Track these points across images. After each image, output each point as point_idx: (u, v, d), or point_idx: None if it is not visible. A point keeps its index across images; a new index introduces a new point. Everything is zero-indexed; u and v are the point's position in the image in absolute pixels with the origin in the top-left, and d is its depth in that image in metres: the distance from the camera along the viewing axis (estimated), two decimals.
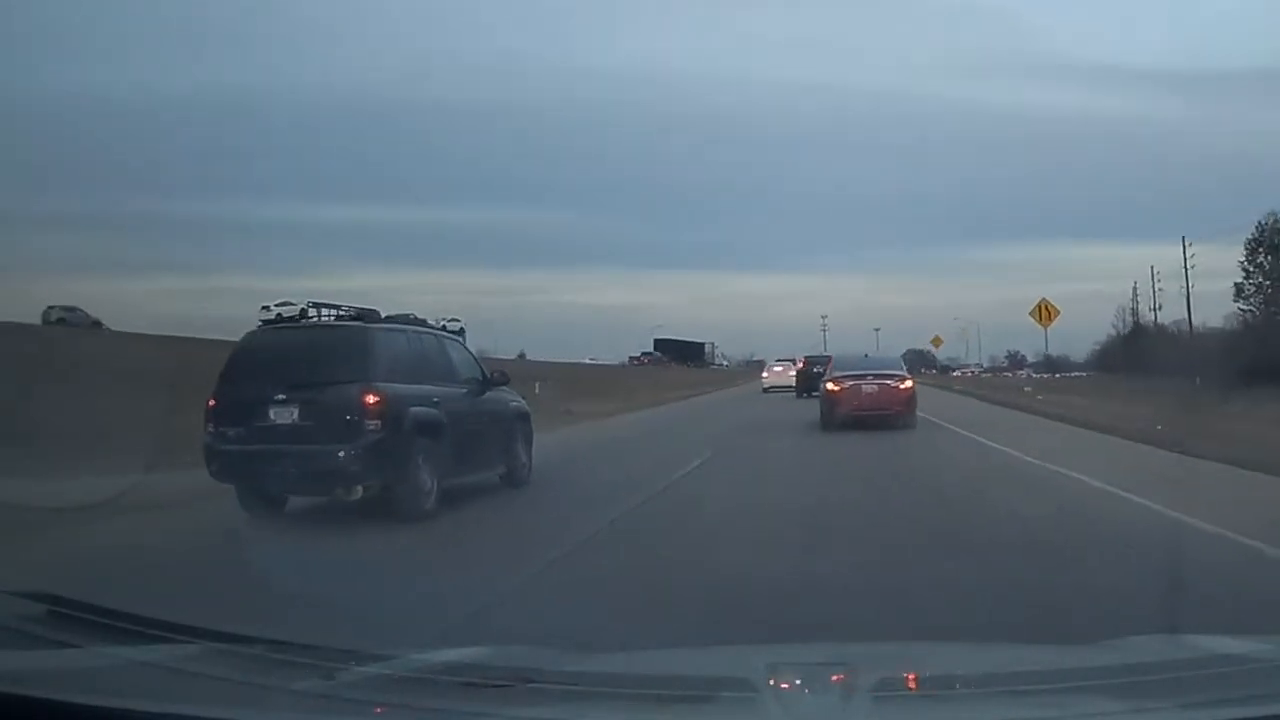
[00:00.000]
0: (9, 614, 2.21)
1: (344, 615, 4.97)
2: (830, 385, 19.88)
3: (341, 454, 8.66)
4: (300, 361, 9.25)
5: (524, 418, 11.78)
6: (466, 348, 11.81)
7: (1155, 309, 61.04)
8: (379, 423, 8.77)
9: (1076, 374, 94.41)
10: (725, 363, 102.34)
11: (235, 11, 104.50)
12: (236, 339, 10.14)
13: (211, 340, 18.31)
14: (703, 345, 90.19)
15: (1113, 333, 73.98)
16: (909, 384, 19.99)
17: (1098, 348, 75.78)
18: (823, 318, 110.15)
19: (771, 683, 2.48)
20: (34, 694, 1.71)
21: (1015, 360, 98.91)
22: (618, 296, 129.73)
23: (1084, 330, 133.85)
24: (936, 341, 61.63)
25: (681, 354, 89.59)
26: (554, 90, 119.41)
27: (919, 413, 20.38)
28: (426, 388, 9.66)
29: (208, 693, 1.95)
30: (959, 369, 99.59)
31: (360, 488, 8.84)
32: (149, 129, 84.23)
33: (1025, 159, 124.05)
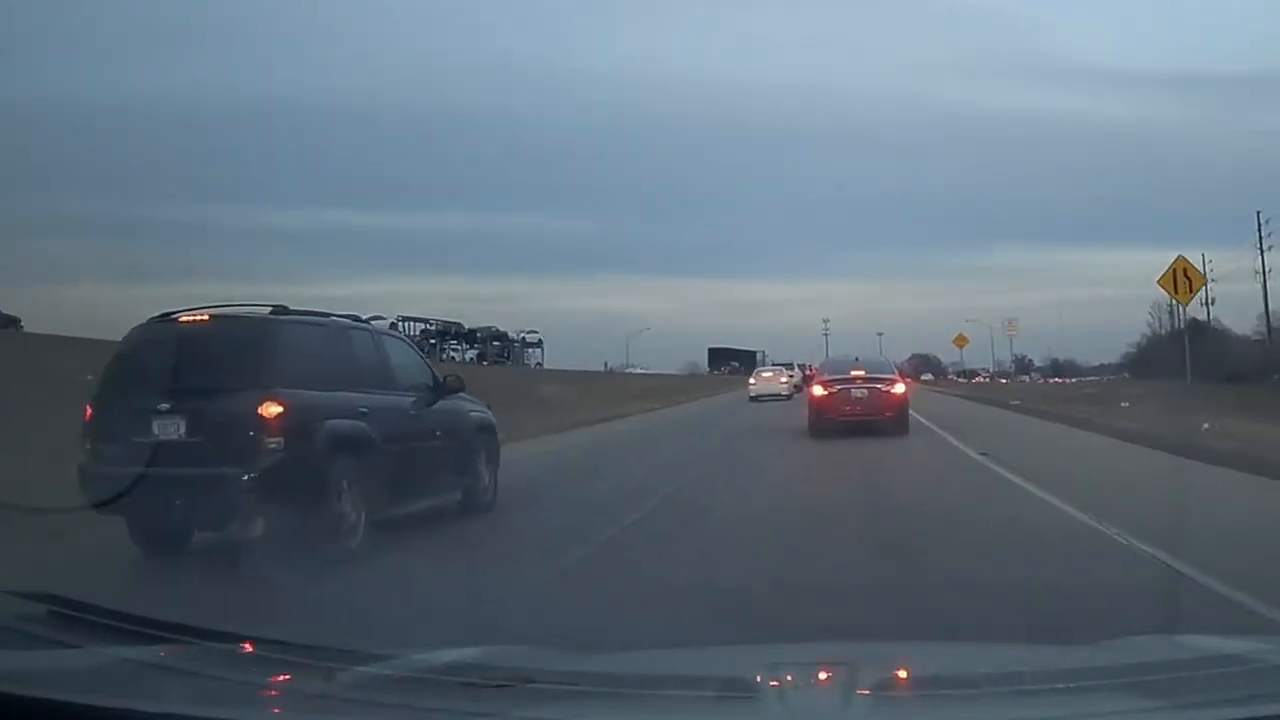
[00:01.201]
0: (9, 614, 2.21)
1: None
2: (817, 390, 19.00)
3: (231, 479, 6.89)
4: (191, 362, 7.43)
5: (487, 431, 9.96)
6: (415, 348, 10.16)
7: (1208, 302, 54.16)
8: (281, 439, 7.02)
9: (1090, 378, 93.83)
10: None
11: (232, 14, 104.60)
12: None
13: None
14: (754, 354, 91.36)
15: (1148, 333, 69.28)
16: (901, 389, 18.98)
17: (1132, 349, 71.78)
18: (824, 322, 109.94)
19: (771, 683, 2.48)
20: (34, 694, 1.71)
21: (1022, 365, 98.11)
22: (616, 302, 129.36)
23: (1091, 334, 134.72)
24: (960, 341, 53.59)
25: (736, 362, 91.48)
26: (553, 93, 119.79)
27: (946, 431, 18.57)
28: (352, 396, 7.90)
29: (208, 693, 1.95)
30: (968, 374, 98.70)
31: (260, 522, 7.11)
32: (135, 132, 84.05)
33: (1030, 162, 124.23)
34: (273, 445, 7.01)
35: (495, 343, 67.74)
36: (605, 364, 74.98)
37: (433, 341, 61.09)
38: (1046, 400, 32.34)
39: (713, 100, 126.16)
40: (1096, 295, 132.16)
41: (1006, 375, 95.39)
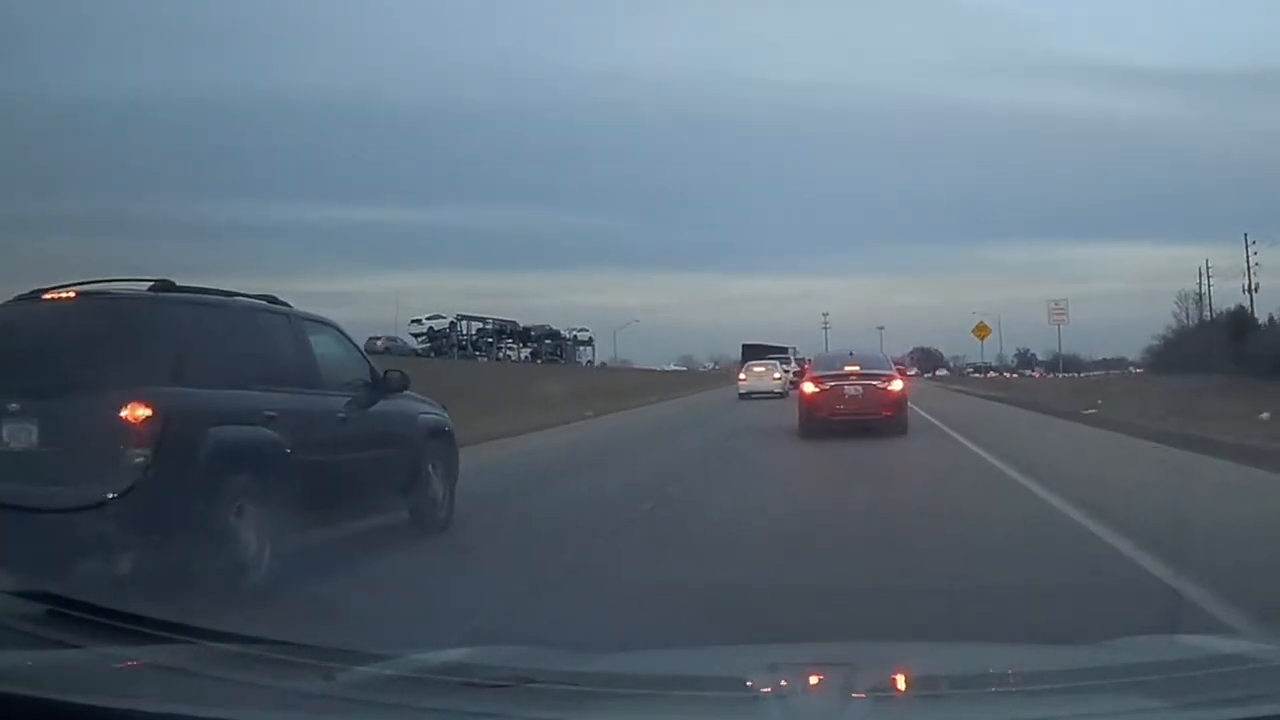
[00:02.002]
0: (9, 614, 2.21)
1: None
2: (808, 387, 17.81)
3: (86, 501, 5.32)
4: (51, 352, 6.01)
5: (440, 436, 8.40)
6: (350, 339, 8.16)
7: (1250, 289, 50.81)
8: (149, 451, 5.50)
9: (1096, 373, 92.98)
10: (715, 364, 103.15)
11: (229, 11, 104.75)
12: None
13: None
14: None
15: (1174, 325, 64.63)
16: (899, 385, 17.78)
17: (1157, 341, 66.97)
18: (824, 315, 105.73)
19: (771, 683, 2.48)
20: (34, 694, 1.71)
21: (1025, 359, 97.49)
22: (615, 298, 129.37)
23: (1092, 329, 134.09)
24: (982, 331, 43.27)
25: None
26: (552, 90, 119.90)
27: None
28: (257, 396, 6.41)
29: (208, 693, 1.95)
30: (982, 369, 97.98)
31: (128, 556, 5.62)
32: (133, 128, 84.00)
33: (1030, 159, 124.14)
34: (139, 458, 5.48)
35: (548, 341, 69.40)
36: (670, 364, 76.23)
37: (489, 340, 61.84)
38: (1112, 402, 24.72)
39: (712, 98, 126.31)
40: (1096, 291, 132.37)
41: (1010, 370, 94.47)
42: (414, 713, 1.98)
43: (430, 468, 8.09)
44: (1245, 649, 2.53)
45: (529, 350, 66.44)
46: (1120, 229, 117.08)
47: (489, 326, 62.86)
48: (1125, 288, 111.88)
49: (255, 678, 2.08)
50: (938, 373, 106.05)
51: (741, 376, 38.50)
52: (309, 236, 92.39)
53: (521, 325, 65.51)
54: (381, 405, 7.63)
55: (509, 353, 64.72)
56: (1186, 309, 63.17)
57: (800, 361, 40.40)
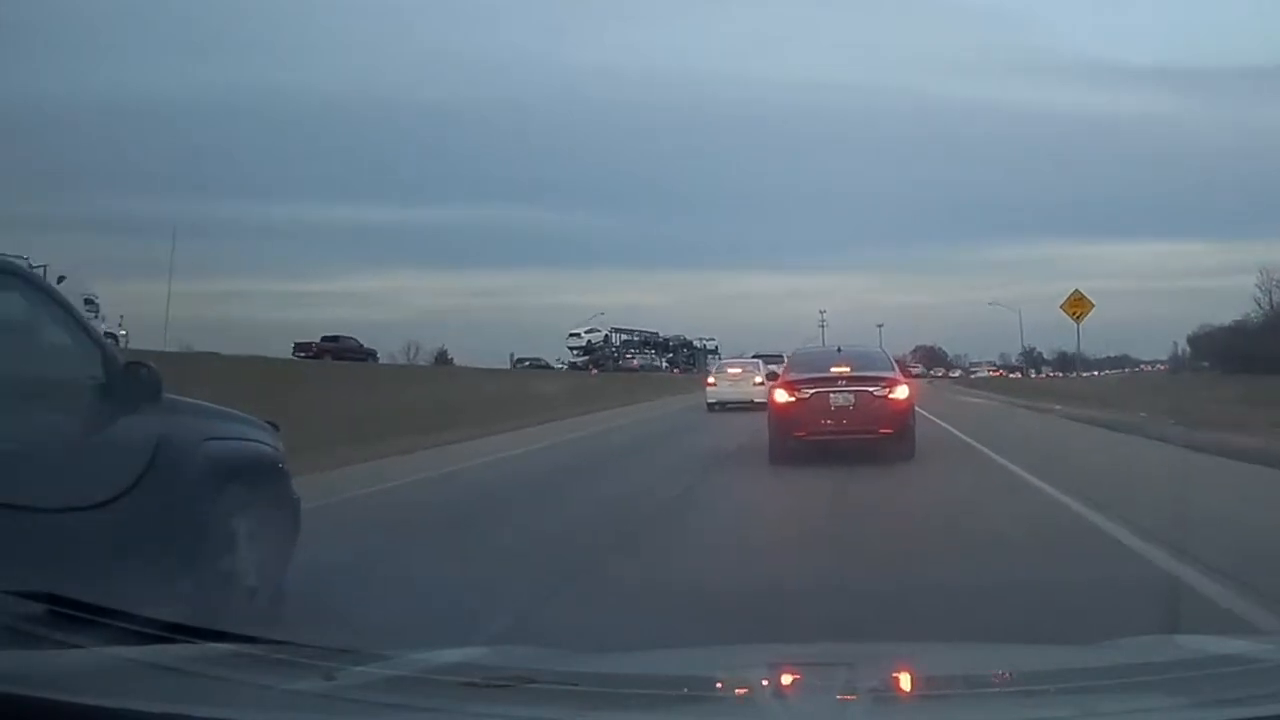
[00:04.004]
0: (9, 614, 2.21)
1: None
2: (780, 395, 13.48)
3: None
4: None
5: (255, 475, 5.22)
6: (60, 302, 4.64)
7: None
8: None
9: (1110, 371, 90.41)
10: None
11: (229, 11, 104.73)
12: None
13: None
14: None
15: (1259, 310, 59.62)
16: (904, 392, 13.39)
17: (1201, 332, 64.66)
18: (821, 312, 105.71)
19: (771, 683, 2.48)
20: (34, 694, 1.71)
21: (1031, 359, 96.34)
22: (612, 296, 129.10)
23: (1091, 327, 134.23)
24: (1078, 307, 28.34)
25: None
26: (549, 88, 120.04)
27: None
28: None
29: (208, 693, 1.95)
30: (1010, 368, 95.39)
31: None
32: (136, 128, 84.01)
33: (1034, 155, 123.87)
34: None
35: (685, 350, 73.39)
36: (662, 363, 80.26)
37: (632, 351, 64.86)
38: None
39: (712, 98, 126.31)
40: (1098, 288, 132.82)
41: (1019, 370, 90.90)
42: (414, 713, 1.98)
43: (233, 527, 4.93)
44: (1245, 649, 2.52)
45: (668, 358, 72.09)
46: (1124, 227, 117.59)
47: (635, 338, 70.17)
48: (1124, 285, 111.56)
49: (255, 678, 2.08)
50: (951, 373, 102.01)
51: (710, 381, 30.17)
52: (291, 233, 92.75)
53: (661, 336, 73.15)
54: (126, 421, 4.57)
55: (655, 363, 72.13)
56: (1270, 289, 55.57)
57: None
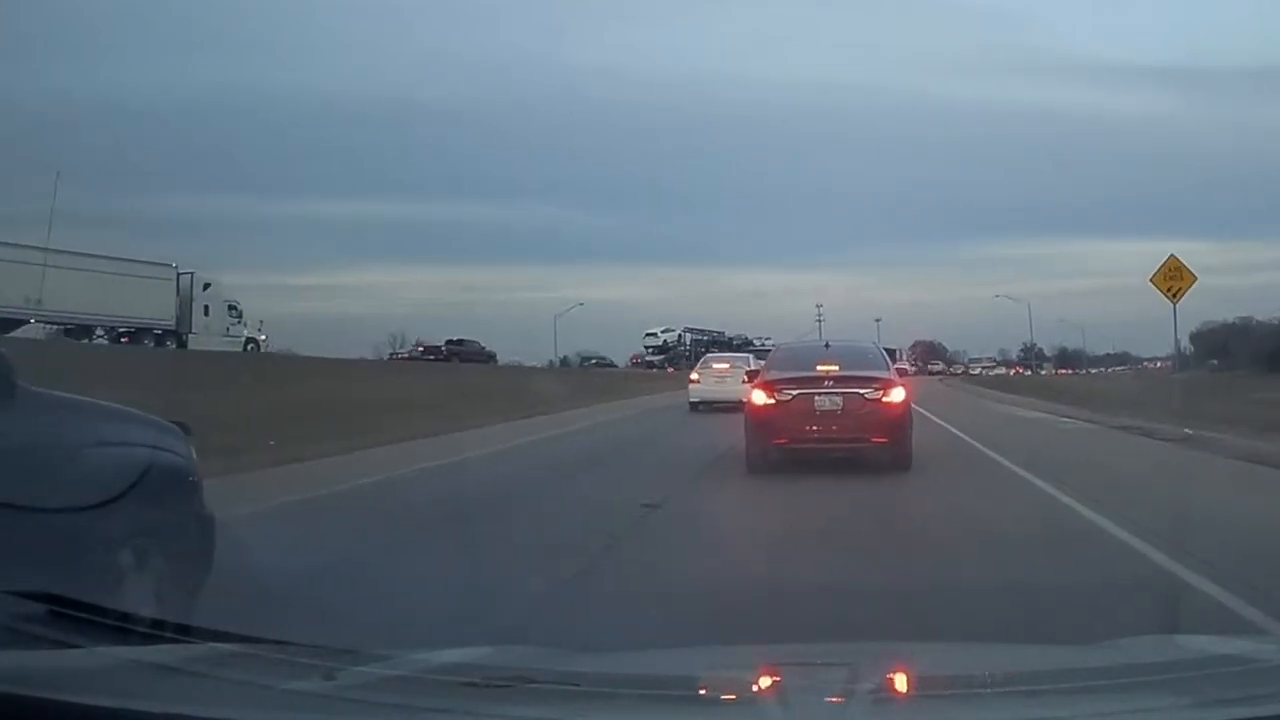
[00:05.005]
0: (9, 614, 2.21)
1: None
2: (758, 397, 12.00)
3: None
4: None
5: (157, 489, 3.99)
6: None
7: None
8: None
9: (1112, 369, 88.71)
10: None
11: (224, 10, 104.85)
12: None
13: None
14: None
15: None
16: (900, 395, 11.86)
17: (1205, 329, 60.77)
18: (818, 306, 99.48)
19: (770, 683, 2.48)
20: (34, 694, 1.71)
21: (1030, 355, 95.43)
22: (609, 292, 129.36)
23: (1089, 324, 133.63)
24: (1175, 282, 20.74)
25: None
26: (545, 86, 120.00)
27: None
28: None
29: (208, 692, 1.95)
30: (1028, 364, 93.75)
31: None
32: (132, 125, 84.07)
33: (1028, 155, 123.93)
34: None
35: (747, 348, 76.81)
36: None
37: (703, 350, 67.56)
38: None
39: (712, 97, 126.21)
40: (1096, 286, 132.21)
41: (1027, 366, 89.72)
42: (414, 712, 1.98)
43: (121, 557, 3.86)
44: (1245, 649, 2.53)
45: None
46: (1122, 225, 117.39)
47: (704, 338, 72.72)
48: (1124, 283, 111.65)
49: (255, 678, 2.08)
50: (953, 369, 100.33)
51: (694, 378, 27.88)
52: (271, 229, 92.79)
53: (726, 335, 75.05)
54: None
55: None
56: None
57: None
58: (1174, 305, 21.14)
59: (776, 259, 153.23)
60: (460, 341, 56.72)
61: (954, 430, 18.83)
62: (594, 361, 69.51)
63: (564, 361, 68.64)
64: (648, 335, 74.46)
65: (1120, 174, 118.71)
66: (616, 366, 69.42)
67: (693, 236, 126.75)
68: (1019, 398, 35.53)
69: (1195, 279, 21.06)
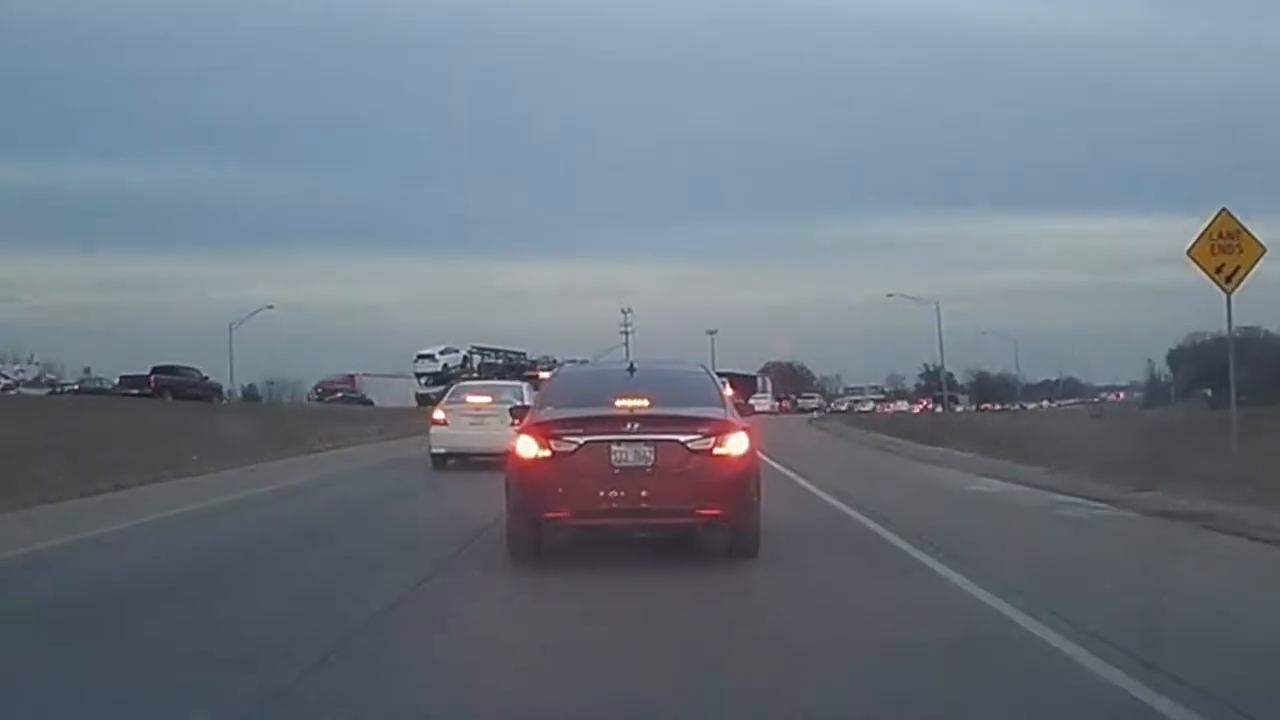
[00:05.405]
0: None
1: None
2: (527, 445, 8.32)
3: None
4: None
5: None
6: None
7: None
8: None
9: (1057, 402, 65.89)
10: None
11: None
12: None
13: None
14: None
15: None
16: (742, 444, 8.29)
17: (1191, 343, 45.71)
18: (624, 313, 74.44)
19: None
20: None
21: (933, 383, 70.96)
22: (320, 291, 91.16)
23: (1038, 341, 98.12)
24: (1231, 258, 13.77)
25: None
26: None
27: None
28: None
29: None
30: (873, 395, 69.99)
31: None
32: None
33: (933, 89, 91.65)
34: None
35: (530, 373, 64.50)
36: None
37: (499, 375, 53.59)
38: None
39: (456, 13, 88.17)
40: (1031, 282, 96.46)
41: (937, 400, 65.74)
42: None
43: None
44: None
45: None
46: (1058, 193, 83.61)
47: (499, 362, 57.98)
48: (1066, 280, 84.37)
49: None
50: (835, 403, 76.40)
51: (438, 417, 19.47)
52: None
53: (529, 357, 60.18)
54: None
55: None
56: None
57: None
58: (1228, 295, 14.31)
59: (567, 244, 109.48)
60: (173, 370, 43.70)
61: (879, 530, 10.30)
62: (340, 396, 56.32)
63: (248, 391, 53.40)
64: (420, 358, 56.74)
65: (1066, 118, 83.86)
66: (372, 404, 54.03)
67: (445, 209, 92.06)
68: (944, 451, 23.54)
69: (1263, 250, 14.31)
